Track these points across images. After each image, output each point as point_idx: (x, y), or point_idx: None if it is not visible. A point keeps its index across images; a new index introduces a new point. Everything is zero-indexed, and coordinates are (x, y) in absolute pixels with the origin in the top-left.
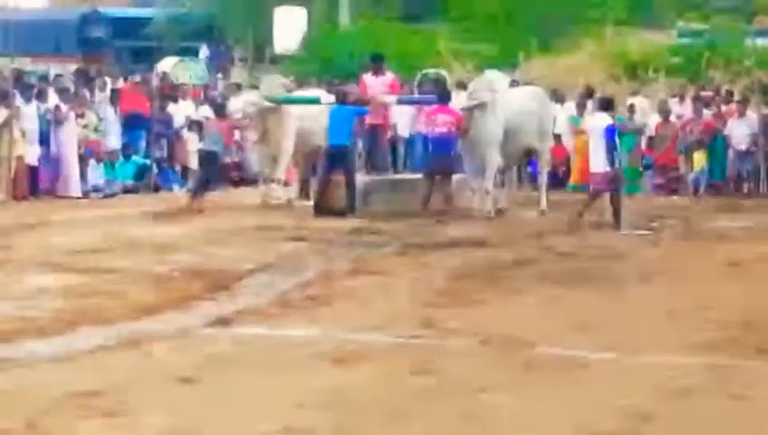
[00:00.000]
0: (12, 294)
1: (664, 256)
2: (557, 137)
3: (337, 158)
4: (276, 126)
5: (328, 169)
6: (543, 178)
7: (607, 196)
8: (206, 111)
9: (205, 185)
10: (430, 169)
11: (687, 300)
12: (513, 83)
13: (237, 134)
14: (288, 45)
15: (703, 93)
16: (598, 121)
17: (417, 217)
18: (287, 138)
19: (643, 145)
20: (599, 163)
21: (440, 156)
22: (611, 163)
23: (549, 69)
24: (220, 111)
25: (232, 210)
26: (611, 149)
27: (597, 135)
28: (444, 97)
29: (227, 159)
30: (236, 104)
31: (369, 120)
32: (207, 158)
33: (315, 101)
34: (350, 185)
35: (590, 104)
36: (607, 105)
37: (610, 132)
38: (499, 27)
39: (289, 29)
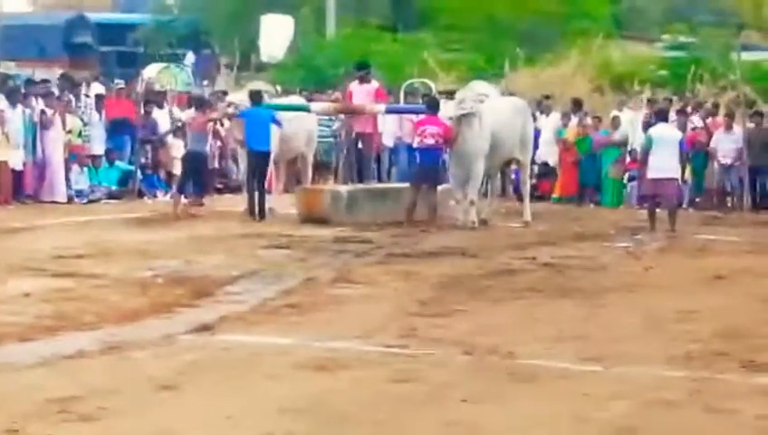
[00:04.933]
0: None
1: (647, 268)
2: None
3: (257, 163)
4: None
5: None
6: (526, 190)
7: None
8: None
9: (201, 189)
10: (417, 179)
11: (670, 312)
12: (504, 94)
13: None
14: (274, 53)
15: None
16: (668, 132)
17: (401, 226)
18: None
19: (627, 158)
20: (671, 170)
21: (427, 167)
22: (683, 171)
23: (534, 80)
24: (199, 105)
25: (215, 217)
26: (683, 160)
27: (667, 144)
28: (432, 108)
29: (211, 166)
30: (235, 98)
31: (358, 128)
32: (195, 158)
33: (304, 108)
34: (261, 191)
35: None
36: (665, 116)
37: (684, 144)
38: (485, 38)
39: (275, 37)
